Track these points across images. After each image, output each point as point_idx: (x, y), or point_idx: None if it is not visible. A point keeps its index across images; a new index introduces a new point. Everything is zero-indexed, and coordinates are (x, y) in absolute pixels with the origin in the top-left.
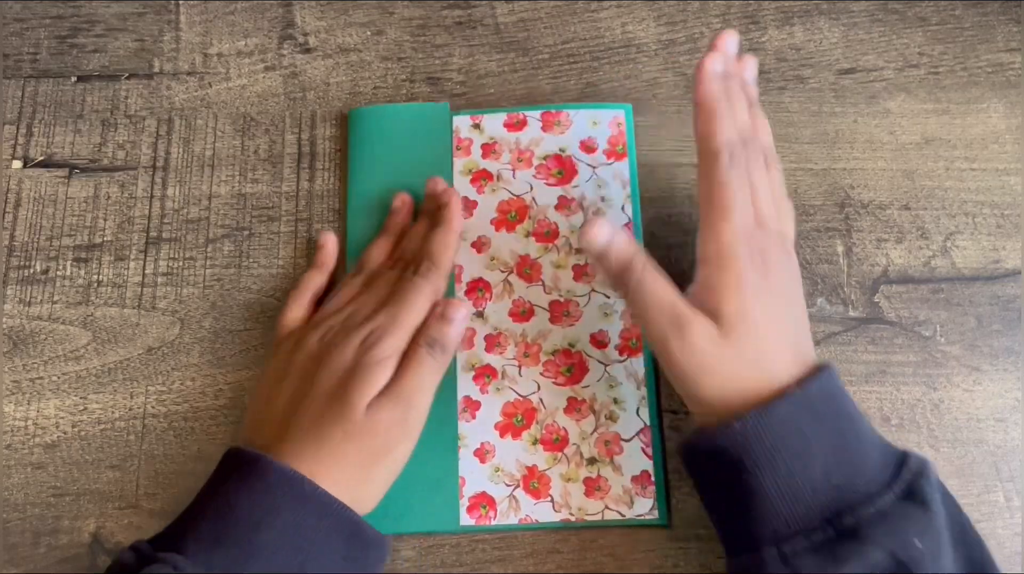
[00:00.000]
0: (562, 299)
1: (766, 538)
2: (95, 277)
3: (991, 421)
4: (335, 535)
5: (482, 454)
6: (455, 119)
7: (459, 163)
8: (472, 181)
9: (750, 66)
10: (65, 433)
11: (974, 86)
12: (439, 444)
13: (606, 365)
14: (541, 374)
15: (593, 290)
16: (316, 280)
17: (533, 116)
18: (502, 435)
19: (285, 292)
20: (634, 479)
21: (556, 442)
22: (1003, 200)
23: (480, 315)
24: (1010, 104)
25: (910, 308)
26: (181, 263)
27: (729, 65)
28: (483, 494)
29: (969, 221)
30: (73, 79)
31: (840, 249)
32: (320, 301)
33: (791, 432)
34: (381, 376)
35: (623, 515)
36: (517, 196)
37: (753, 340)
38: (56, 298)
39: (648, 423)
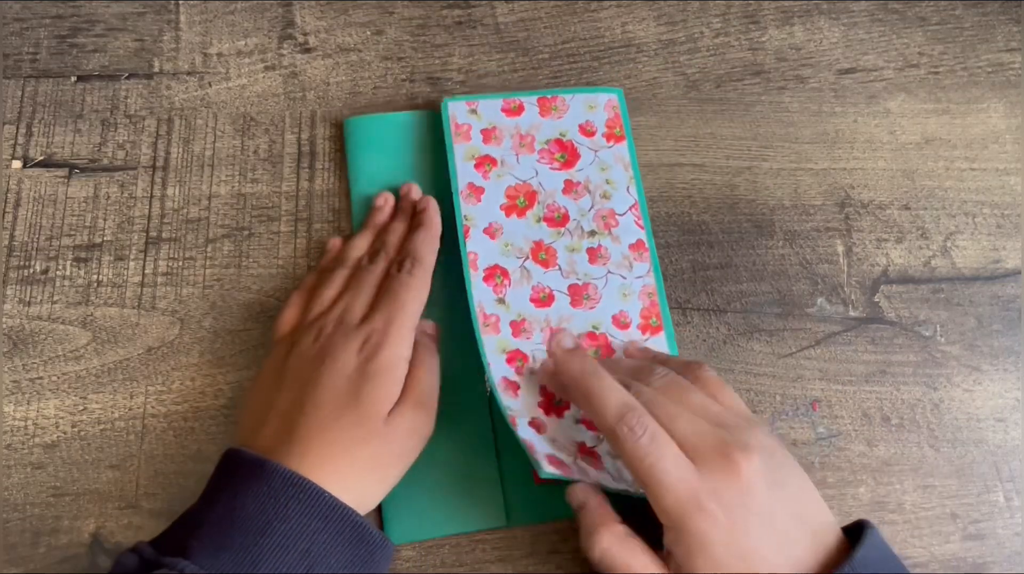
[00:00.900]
0: (580, 283)
1: None
2: (95, 277)
3: (991, 421)
4: (341, 538)
5: (537, 426)
6: (450, 104)
7: (460, 149)
8: (476, 167)
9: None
10: (65, 433)
11: (974, 86)
12: (472, 444)
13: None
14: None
15: (610, 271)
16: (314, 282)
17: (529, 101)
18: (547, 414)
19: (285, 292)
20: None
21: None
22: (1003, 200)
23: (502, 302)
24: (1010, 104)
25: (910, 308)
26: (181, 263)
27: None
28: (552, 457)
29: (969, 221)
30: (73, 79)
31: (840, 249)
32: None
33: None
34: (393, 385)
35: None
36: (524, 181)
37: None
38: (56, 298)
39: None
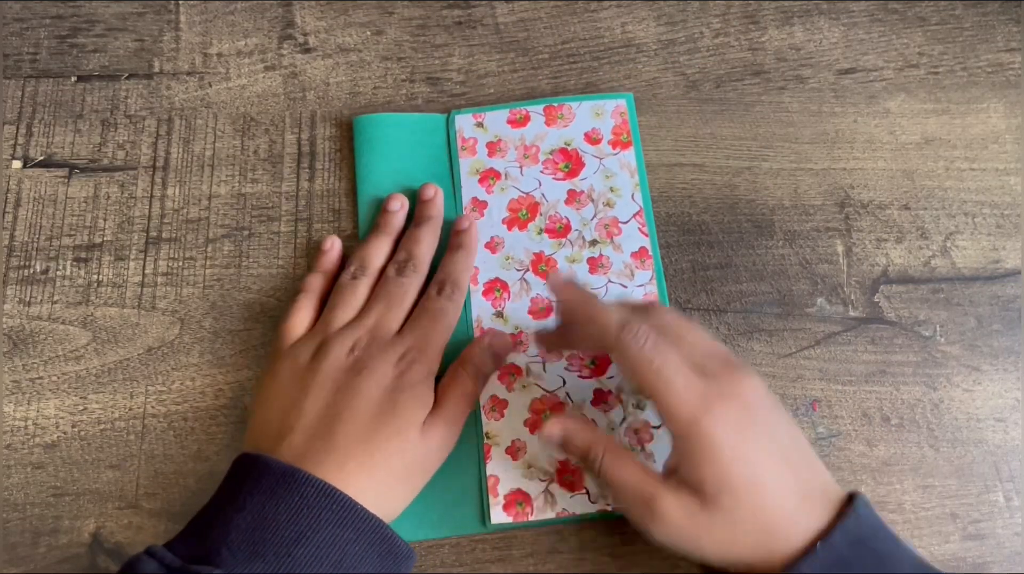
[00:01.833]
0: None
1: None
2: (95, 277)
3: (991, 421)
4: (371, 550)
5: (514, 451)
6: (457, 118)
7: (465, 164)
8: (480, 181)
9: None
10: (65, 433)
11: (974, 86)
12: (460, 447)
13: None
14: (566, 369)
15: (610, 281)
16: (320, 284)
17: (536, 111)
18: (532, 431)
19: (285, 292)
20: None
21: None
22: (1003, 200)
23: (500, 315)
24: (1010, 104)
25: (910, 308)
26: (181, 263)
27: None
28: (518, 491)
29: (969, 221)
30: (73, 79)
31: (840, 249)
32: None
33: None
34: (429, 397)
35: None
36: (526, 194)
37: (745, 504)
38: (56, 298)
39: None
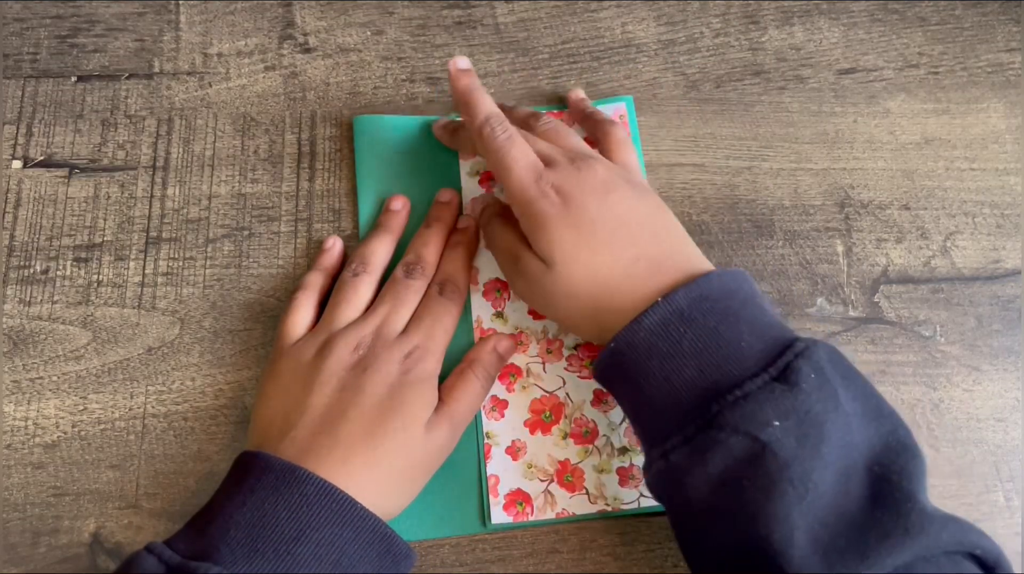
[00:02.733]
0: None
1: (655, 439)
2: (95, 277)
3: (991, 421)
4: (370, 549)
5: (514, 451)
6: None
7: (465, 165)
8: (480, 182)
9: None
10: (65, 433)
11: (974, 86)
12: (460, 449)
13: None
14: (565, 369)
15: None
16: (320, 282)
17: None
18: (532, 432)
19: (285, 292)
20: None
21: (586, 435)
22: (1003, 200)
23: (500, 315)
24: (1010, 104)
25: (910, 308)
26: (181, 263)
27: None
28: (518, 491)
29: (969, 221)
30: (73, 79)
31: (840, 249)
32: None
33: (659, 338)
34: (432, 395)
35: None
36: None
37: (575, 272)
38: (56, 298)
39: None
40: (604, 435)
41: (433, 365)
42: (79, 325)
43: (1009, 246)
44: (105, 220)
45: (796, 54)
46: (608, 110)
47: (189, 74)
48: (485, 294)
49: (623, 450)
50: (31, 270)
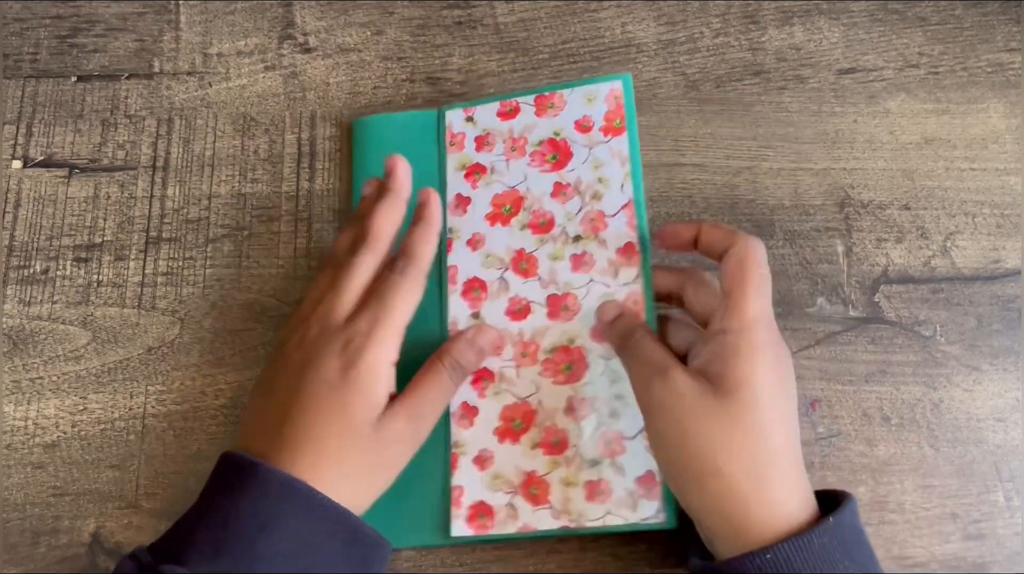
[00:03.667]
0: (560, 293)
1: None
2: (95, 277)
3: (991, 421)
4: (336, 539)
5: (481, 462)
6: (448, 114)
7: (453, 159)
8: (466, 177)
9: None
10: (65, 433)
11: (974, 86)
12: (427, 454)
13: (607, 359)
14: (540, 374)
15: (592, 280)
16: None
17: (526, 102)
18: (501, 440)
19: (285, 292)
20: (638, 480)
21: (556, 445)
22: (1003, 200)
23: (476, 316)
24: (1010, 104)
25: (910, 308)
26: (181, 263)
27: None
28: (482, 504)
29: (969, 221)
30: (73, 79)
31: (840, 249)
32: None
33: (826, 568)
34: (378, 389)
35: (627, 520)
36: (511, 188)
37: (753, 410)
38: (56, 298)
39: None
40: (574, 446)
41: (376, 354)
42: (79, 325)
43: (1009, 246)
44: (105, 220)
45: (796, 54)
46: (602, 90)
47: (189, 74)
48: (464, 293)
49: (594, 462)
50: (31, 270)
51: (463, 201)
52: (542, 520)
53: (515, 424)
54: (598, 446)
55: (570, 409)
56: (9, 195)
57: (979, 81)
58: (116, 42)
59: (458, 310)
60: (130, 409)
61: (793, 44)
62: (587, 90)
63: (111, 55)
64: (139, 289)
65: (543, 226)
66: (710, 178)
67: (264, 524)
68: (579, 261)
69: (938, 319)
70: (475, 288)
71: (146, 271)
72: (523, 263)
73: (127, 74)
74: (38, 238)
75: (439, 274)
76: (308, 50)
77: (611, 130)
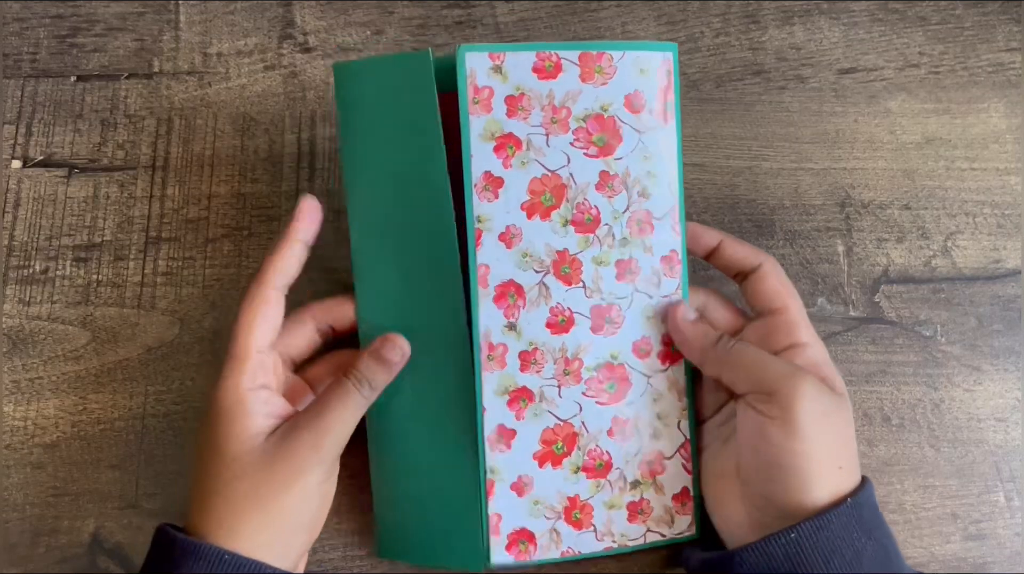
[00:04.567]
0: (604, 303)
1: None
2: (95, 277)
3: (991, 421)
4: None
5: (520, 488)
6: (468, 57)
7: (477, 124)
8: (496, 150)
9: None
10: (65, 433)
11: (974, 86)
12: (460, 480)
13: (648, 377)
14: (583, 394)
15: (636, 290)
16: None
17: (569, 58)
18: (541, 465)
19: None
20: (675, 497)
21: (599, 468)
22: (1003, 200)
23: (512, 328)
24: (1010, 104)
25: (910, 308)
26: (181, 263)
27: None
28: (523, 530)
29: (969, 221)
30: (73, 79)
31: (840, 249)
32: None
33: (845, 544)
34: (243, 417)
35: (664, 535)
36: (552, 172)
37: (848, 421)
38: (56, 298)
39: (688, 436)
40: (618, 468)
41: (226, 383)
42: (78, 325)
43: (1010, 246)
44: (105, 220)
45: (796, 54)
46: (653, 60)
47: (189, 74)
48: (497, 299)
49: (635, 484)
50: (31, 270)
51: (494, 182)
52: (586, 543)
53: (556, 447)
54: (639, 468)
55: (613, 431)
56: (9, 195)
57: (980, 81)
58: (116, 42)
59: (490, 319)
60: (130, 409)
61: (793, 44)
62: (639, 57)
63: (111, 55)
64: (139, 289)
65: (588, 223)
66: (710, 178)
67: None
68: (625, 268)
69: (939, 319)
70: (510, 293)
71: (146, 271)
72: (565, 267)
73: (127, 74)
74: (38, 238)
75: (464, 273)
76: (308, 50)
77: (663, 114)
